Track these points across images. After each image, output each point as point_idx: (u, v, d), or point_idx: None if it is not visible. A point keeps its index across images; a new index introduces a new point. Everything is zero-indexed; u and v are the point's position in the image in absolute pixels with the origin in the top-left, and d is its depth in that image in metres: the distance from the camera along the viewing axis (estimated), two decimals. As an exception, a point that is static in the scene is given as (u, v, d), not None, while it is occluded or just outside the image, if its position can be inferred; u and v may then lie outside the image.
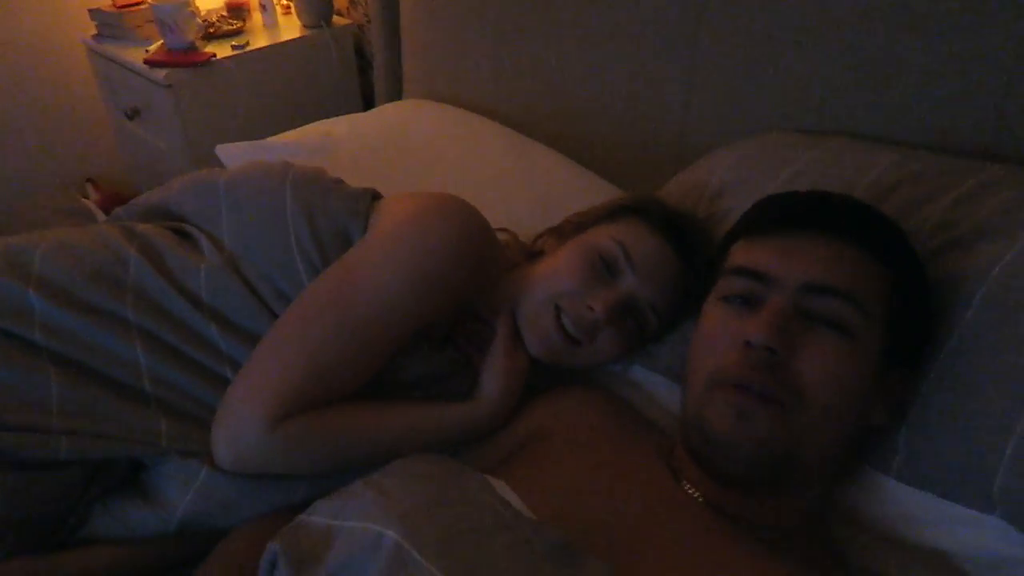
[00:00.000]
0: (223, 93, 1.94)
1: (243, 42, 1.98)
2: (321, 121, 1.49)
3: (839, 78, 1.03)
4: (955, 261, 0.77)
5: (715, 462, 0.70)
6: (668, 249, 0.89)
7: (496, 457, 0.87)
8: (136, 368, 0.81)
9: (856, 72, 1.01)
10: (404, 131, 1.46)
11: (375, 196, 0.96)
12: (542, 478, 0.75)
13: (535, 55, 1.44)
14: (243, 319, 0.85)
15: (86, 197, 2.41)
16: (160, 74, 1.84)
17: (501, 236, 1.02)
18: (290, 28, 2.10)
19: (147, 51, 1.91)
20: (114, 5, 2.04)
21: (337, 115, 1.54)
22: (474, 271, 0.88)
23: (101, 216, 2.17)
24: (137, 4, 2.03)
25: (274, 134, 1.45)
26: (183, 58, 1.87)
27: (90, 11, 2.05)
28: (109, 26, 2.04)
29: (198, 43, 1.93)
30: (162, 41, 1.92)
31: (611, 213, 0.95)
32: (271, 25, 2.11)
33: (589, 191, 1.22)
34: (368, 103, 2.18)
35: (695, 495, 0.72)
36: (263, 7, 2.11)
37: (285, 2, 2.20)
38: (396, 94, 1.87)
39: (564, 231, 0.98)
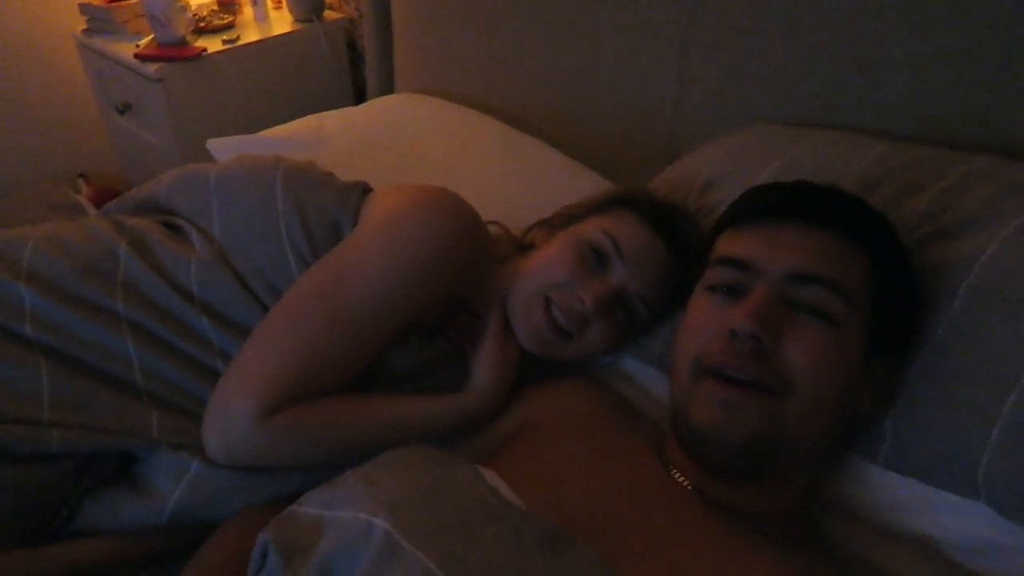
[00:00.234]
0: (214, 88, 1.94)
1: (234, 36, 1.97)
2: (313, 115, 1.49)
3: (829, 72, 1.04)
4: (941, 251, 0.78)
5: (702, 451, 0.71)
6: (658, 241, 0.90)
7: (487, 449, 0.87)
8: (127, 361, 0.81)
9: (845, 66, 1.02)
10: (396, 125, 1.46)
11: (366, 189, 0.96)
12: (532, 469, 0.75)
13: (527, 48, 1.45)
14: (234, 312, 0.86)
15: (78, 192, 2.39)
16: (151, 69, 1.83)
17: (492, 229, 1.02)
18: (281, 22, 2.09)
19: (138, 46, 1.91)
20: (104, 0, 2.03)
21: (329, 109, 1.53)
22: (465, 264, 0.89)
23: (92, 211, 2.15)
24: (127, -2, 2.02)
25: (266, 128, 1.45)
26: (174, 52, 1.87)
27: (80, 5, 2.04)
28: (99, 20, 2.03)
29: (189, 37, 1.93)
30: (152, 36, 1.92)
31: (601, 205, 0.96)
32: (262, 19, 2.10)
33: (580, 184, 1.22)
34: (360, 97, 2.18)
35: (685, 484, 0.73)
36: (254, 2, 2.09)
37: (276, -4, 2.19)
38: (388, 88, 1.87)
39: (555, 224, 0.99)
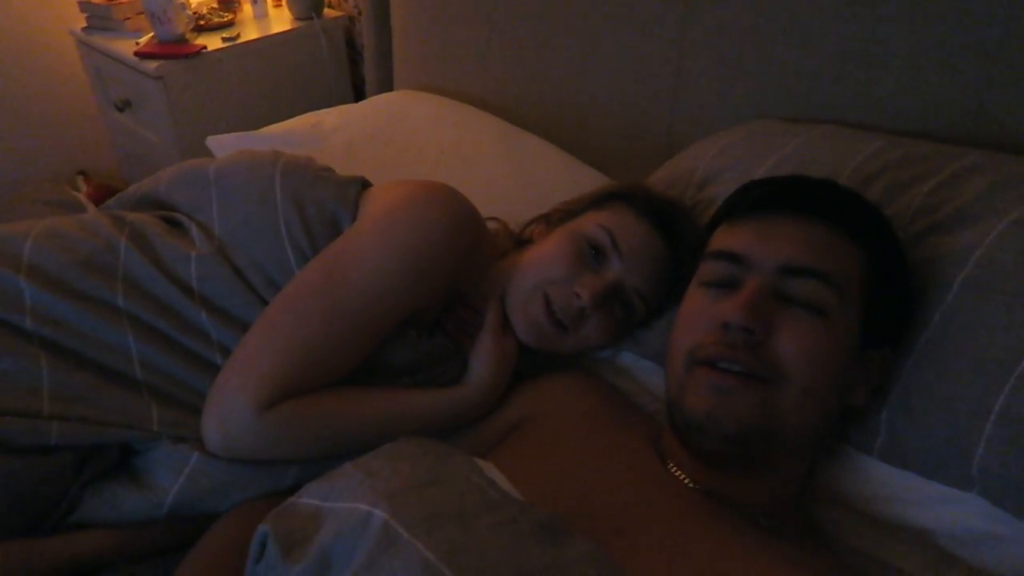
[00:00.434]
0: (214, 85, 1.94)
1: (233, 34, 1.97)
2: (312, 112, 1.49)
3: (825, 68, 1.04)
4: (936, 245, 0.78)
5: (695, 438, 0.71)
6: (655, 236, 0.90)
7: (485, 442, 0.88)
8: (127, 354, 0.82)
9: (841, 62, 1.03)
10: (395, 122, 1.46)
11: (364, 184, 0.97)
12: (530, 462, 0.76)
13: (525, 46, 1.45)
14: (233, 307, 0.86)
15: (77, 190, 2.40)
16: (151, 66, 1.83)
17: (491, 225, 1.02)
18: (281, 20, 2.10)
19: (137, 43, 1.91)
20: (104, -3, 2.03)
21: (328, 106, 1.54)
22: (463, 258, 0.89)
23: (92, 209, 2.15)
24: (127, -4, 2.02)
25: (265, 126, 1.46)
26: (174, 50, 1.87)
27: (79, 3, 2.04)
28: (99, 18, 2.03)
29: (188, 35, 1.93)
30: (152, 33, 1.92)
31: (598, 200, 0.96)
32: (261, 17, 2.11)
33: (578, 180, 1.22)
34: (359, 94, 2.18)
35: (682, 477, 0.73)
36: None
37: (276, -6, 2.19)
38: (387, 85, 1.87)
39: (552, 219, 0.99)
